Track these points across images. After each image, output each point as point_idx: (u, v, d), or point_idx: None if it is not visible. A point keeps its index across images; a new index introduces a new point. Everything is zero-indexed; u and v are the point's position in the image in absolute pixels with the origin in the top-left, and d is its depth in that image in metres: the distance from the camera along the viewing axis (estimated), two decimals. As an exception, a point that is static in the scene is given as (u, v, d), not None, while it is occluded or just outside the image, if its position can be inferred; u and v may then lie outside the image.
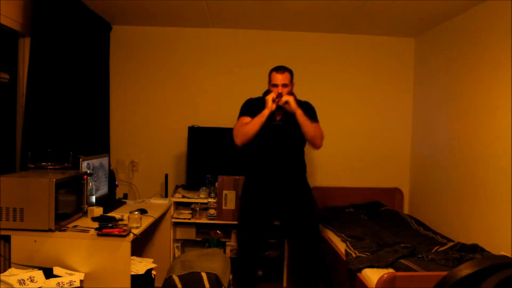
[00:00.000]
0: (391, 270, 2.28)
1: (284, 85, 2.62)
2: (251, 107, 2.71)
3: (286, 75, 2.65)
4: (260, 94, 2.79)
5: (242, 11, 3.35)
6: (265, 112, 2.57)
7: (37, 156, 2.49)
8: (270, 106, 2.58)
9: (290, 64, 2.66)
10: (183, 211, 3.41)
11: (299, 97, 2.74)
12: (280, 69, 2.66)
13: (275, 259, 3.45)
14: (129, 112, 3.91)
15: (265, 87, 2.76)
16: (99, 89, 3.56)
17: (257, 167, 2.73)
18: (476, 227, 2.89)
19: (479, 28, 2.93)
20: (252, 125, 2.58)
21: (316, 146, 2.70)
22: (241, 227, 2.81)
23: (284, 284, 3.35)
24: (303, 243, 2.67)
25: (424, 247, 2.65)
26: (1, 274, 1.97)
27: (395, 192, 3.96)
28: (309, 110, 2.71)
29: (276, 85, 2.63)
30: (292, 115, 2.60)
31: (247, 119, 2.66)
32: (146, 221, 2.48)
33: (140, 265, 2.41)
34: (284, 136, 2.66)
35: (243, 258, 2.79)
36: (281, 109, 2.65)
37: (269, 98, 2.60)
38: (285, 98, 2.58)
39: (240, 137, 2.63)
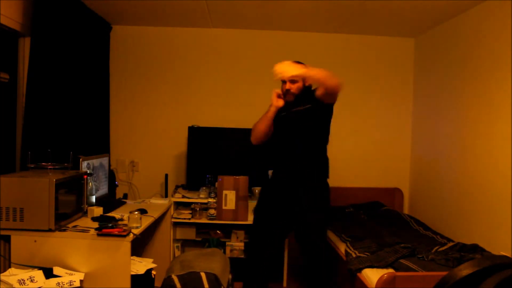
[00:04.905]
0: (391, 270, 2.28)
1: (292, 81, 2.45)
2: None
3: None
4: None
5: (242, 11, 3.35)
6: (271, 109, 2.47)
7: (37, 156, 2.50)
8: (275, 102, 2.46)
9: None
10: (183, 211, 3.40)
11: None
12: None
13: (275, 259, 3.44)
14: (129, 112, 3.91)
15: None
16: (99, 89, 3.56)
17: (275, 163, 2.60)
18: (476, 227, 2.89)
19: (479, 28, 2.93)
20: (259, 124, 2.52)
21: (335, 91, 2.44)
22: (255, 224, 2.64)
23: (284, 284, 3.34)
24: (311, 249, 2.53)
25: (424, 247, 2.65)
26: (1, 274, 1.97)
27: (395, 192, 3.96)
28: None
29: (283, 82, 2.47)
30: (300, 108, 2.44)
31: None
32: (146, 221, 2.48)
33: (140, 265, 2.41)
34: (293, 129, 2.48)
35: (252, 256, 2.65)
36: (297, 103, 2.46)
37: (274, 94, 2.49)
38: (278, 73, 2.30)
39: (252, 135, 2.58)
